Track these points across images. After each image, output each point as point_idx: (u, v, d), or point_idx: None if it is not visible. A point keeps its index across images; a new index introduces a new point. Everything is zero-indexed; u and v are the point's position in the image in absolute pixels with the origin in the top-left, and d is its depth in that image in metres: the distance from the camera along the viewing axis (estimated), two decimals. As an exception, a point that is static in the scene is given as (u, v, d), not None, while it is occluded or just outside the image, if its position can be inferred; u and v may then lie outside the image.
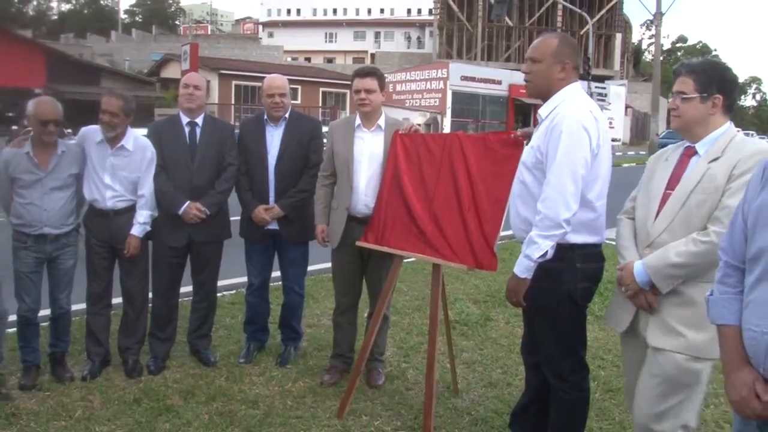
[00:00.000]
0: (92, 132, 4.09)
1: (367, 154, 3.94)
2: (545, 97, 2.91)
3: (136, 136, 4.12)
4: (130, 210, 4.11)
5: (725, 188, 2.38)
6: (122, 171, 4.04)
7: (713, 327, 2.17)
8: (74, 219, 4.06)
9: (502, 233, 3.24)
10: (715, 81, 2.47)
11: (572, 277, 2.79)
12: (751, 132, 42.50)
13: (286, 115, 4.34)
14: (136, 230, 4.08)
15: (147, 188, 4.10)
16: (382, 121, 3.98)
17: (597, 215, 2.83)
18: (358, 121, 4.00)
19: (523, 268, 2.75)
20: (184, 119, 4.28)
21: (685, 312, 2.49)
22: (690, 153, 2.56)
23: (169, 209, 4.18)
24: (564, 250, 2.76)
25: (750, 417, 1.84)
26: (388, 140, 3.90)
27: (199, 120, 4.29)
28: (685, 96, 2.50)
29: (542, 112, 2.90)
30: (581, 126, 2.68)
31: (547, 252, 2.69)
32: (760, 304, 1.80)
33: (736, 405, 1.87)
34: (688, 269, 2.43)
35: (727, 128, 2.50)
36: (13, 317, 3.94)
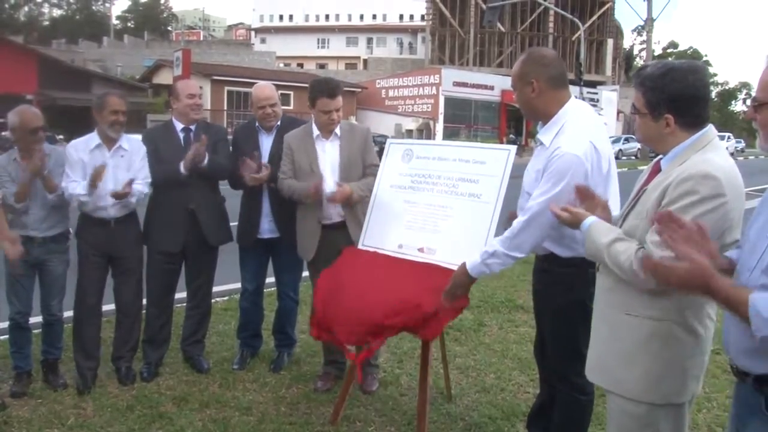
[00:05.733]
0: (82, 143, 4.04)
1: (329, 163, 3.97)
2: (539, 117, 2.85)
3: (128, 136, 4.13)
4: (128, 217, 4.12)
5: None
6: (123, 172, 4.02)
7: (642, 363, 2.15)
8: (62, 223, 4.03)
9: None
10: (664, 99, 2.11)
11: (584, 283, 2.70)
12: (726, 134, 39.99)
13: (278, 122, 4.35)
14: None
15: (141, 176, 4.07)
16: (337, 129, 4.00)
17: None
18: (316, 131, 3.98)
19: (478, 272, 2.83)
20: (178, 125, 4.29)
21: (615, 345, 2.26)
22: (657, 168, 2.24)
23: (170, 179, 4.13)
24: (577, 256, 2.72)
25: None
26: (344, 146, 3.96)
27: (192, 126, 4.30)
28: (639, 112, 2.19)
29: (543, 138, 2.79)
30: (575, 165, 2.58)
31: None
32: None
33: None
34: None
35: (690, 143, 2.11)
36: (3, 324, 3.91)
